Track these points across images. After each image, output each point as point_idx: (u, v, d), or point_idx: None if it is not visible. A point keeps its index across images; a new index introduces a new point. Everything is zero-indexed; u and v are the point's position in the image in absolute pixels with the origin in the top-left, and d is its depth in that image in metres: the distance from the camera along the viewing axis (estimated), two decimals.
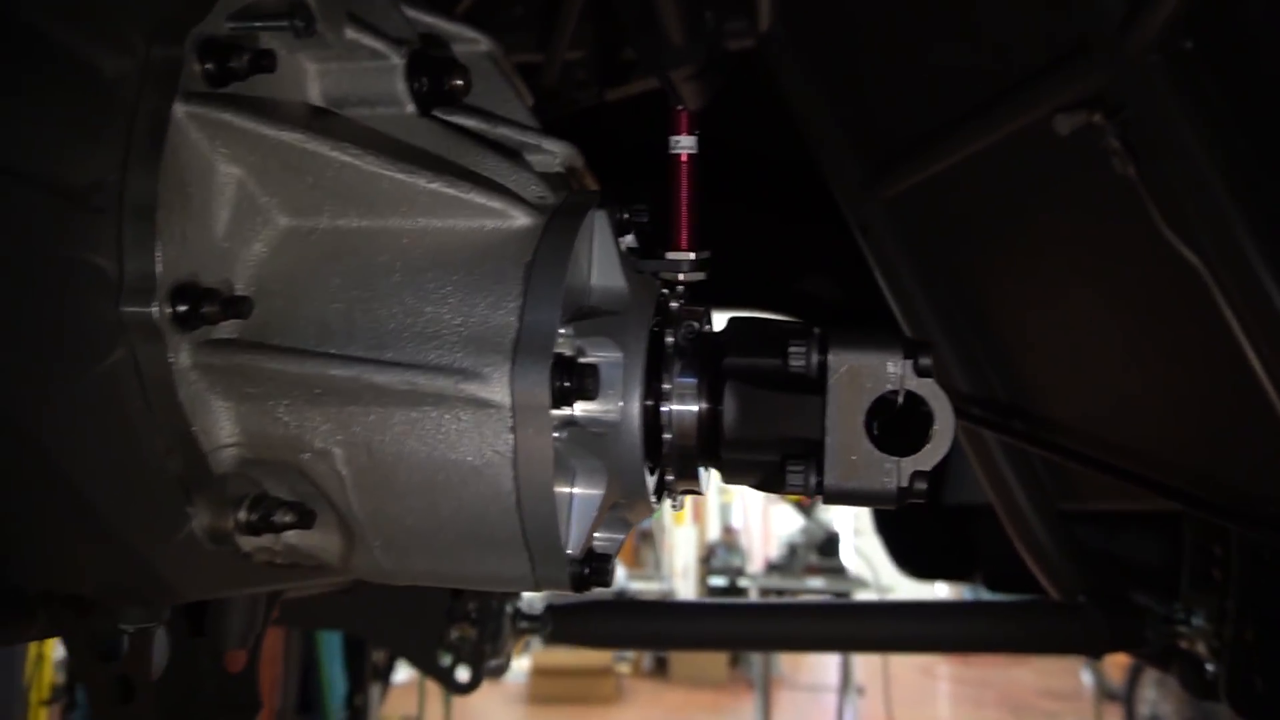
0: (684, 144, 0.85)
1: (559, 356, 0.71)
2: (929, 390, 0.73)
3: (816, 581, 7.01)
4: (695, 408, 0.79)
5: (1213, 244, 1.27)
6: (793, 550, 7.67)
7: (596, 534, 0.80)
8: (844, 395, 0.74)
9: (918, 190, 1.75)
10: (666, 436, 0.79)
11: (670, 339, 0.81)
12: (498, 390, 0.70)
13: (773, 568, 7.68)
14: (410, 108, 0.84)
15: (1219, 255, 1.26)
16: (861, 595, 6.86)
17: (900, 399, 0.75)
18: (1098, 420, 1.69)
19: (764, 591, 7.21)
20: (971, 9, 1.49)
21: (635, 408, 0.76)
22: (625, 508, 0.83)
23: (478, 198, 0.76)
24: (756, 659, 7.14)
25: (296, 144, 0.72)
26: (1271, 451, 1.32)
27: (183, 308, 0.69)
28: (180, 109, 0.68)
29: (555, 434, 0.72)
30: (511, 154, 0.87)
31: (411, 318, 0.73)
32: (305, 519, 0.78)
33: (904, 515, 2.62)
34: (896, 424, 0.77)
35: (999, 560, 2.26)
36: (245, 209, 0.75)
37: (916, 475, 0.74)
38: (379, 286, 0.74)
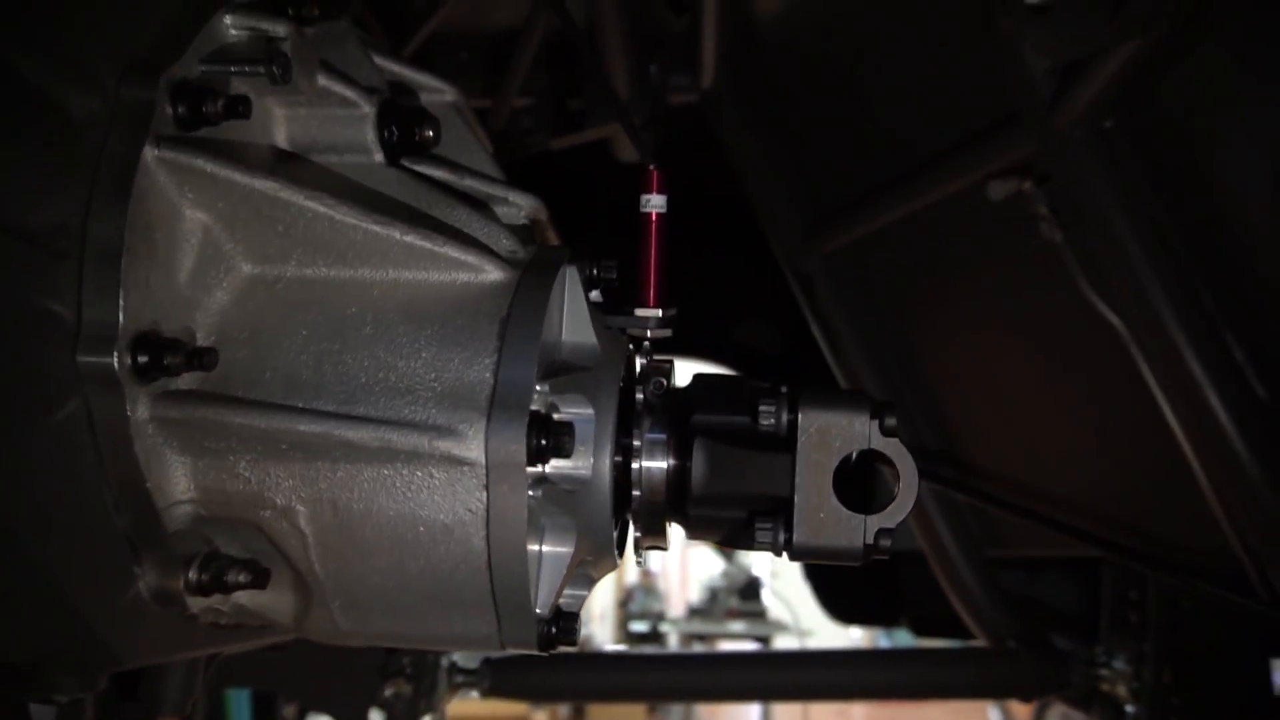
0: (654, 203, 0.86)
1: (534, 414, 0.70)
2: (894, 449, 0.76)
3: (738, 625, 7.01)
4: (664, 464, 0.80)
5: (1131, 306, 1.35)
6: (713, 594, 7.66)
7: (563, 592, 0.79)
8: (813, 454, 0.76)
9: (856, 246, 1.82)
10: (636, 493, 0.79)
11: (640, 395, 0.81)
12: (473, 448, 0.69)
13: (694, 612, 7.65)
14: (379, 157, 0.83)
15: (1136, 317, 1.35)
16: (782, 638, 6.89)
17: (854, 457, 0.77)
18: (1023, 469, 1.76)
19: (686, 636, 7.17)
20: (911, 78, 1.57)
21: (606, 464, 0.76)
22: (590, 564, 0.82)
23: (452, 251, 0.76)
24: (676, 708, 7.07)
25: (270, 192, 0.70)
26: (1185, 501, 1.40)
27: (143, 358, 0.66)
28: (150, 152, 0.66)
29: (529, 492, 0.71)
30: (480, 206, 0.87)
31: (384, 372, 0.71)
32: (260, 578, 0.74)
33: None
34: (852, 482, 0.79)
35: (925, 605, 2.31)
36: (209, 256, 0.73)
37: (882, 532, 0.76)
38: (350, 339, 0.73)
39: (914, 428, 1.92)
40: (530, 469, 0.70)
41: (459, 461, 0.69)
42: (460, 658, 1.65)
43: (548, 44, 1.77)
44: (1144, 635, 1.55)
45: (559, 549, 0.76)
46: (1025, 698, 1.75)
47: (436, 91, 0.97)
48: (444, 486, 0.70)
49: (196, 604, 0.75)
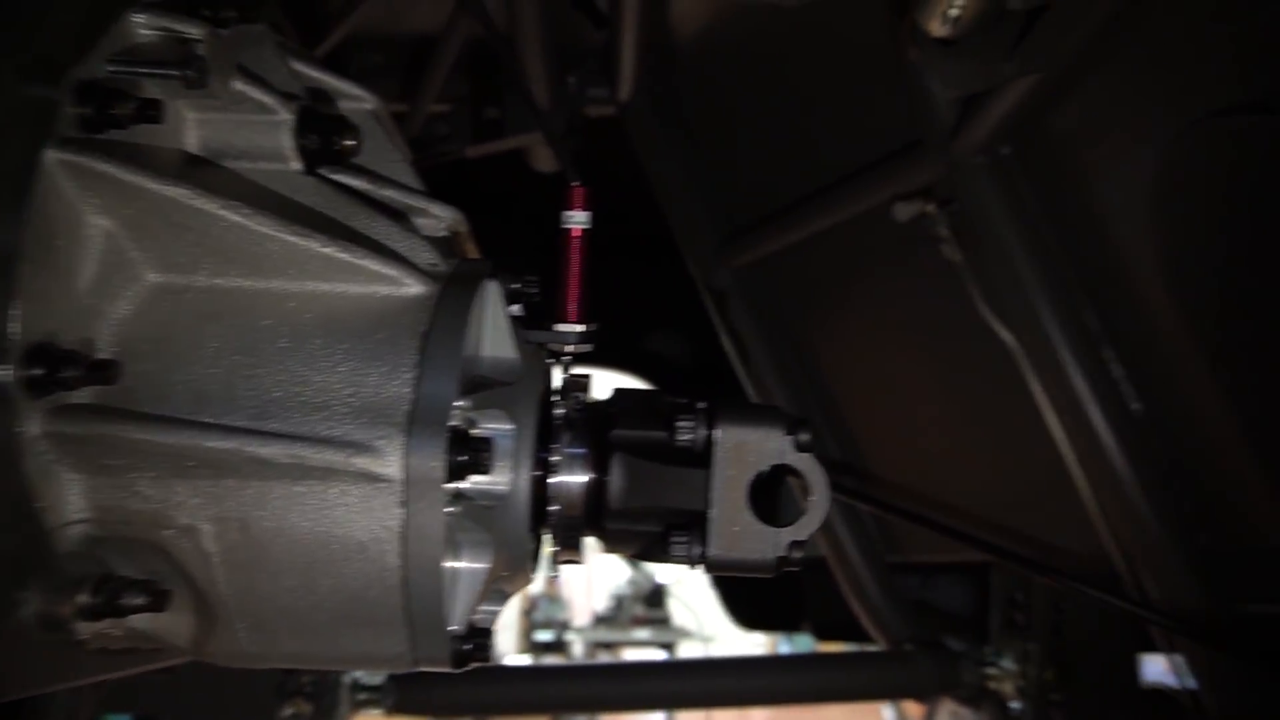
0: (577, 219, 0.87)
1: (454, 430, 0.70)
2: (808, 465, 0.78)
3: (643, 633, 7.04)
4: (583, 479, 0.80)
5: (1022, 324, 1.43)
6: (619, 602, 7.68)
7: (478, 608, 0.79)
8: (729, 469, 0.78)
9: (767, 261, 1.86)
10: (553, 508, 0.80)
11: (560, 410, 0.82)
12: (390, 464, 0.68)
13: (599, 620, 7.65)
14: (296, 165, 0.81)
15: (1027, 334, 1.43)
16: (686, 645, 6.96)
17: (767, 472, 0.79)
18: (920, 479, 1.84)
19: (591, 645, 7.16)
20: (824, 101, 1.62)
21: (525, 479, 0.76)
22: (506, 579, 0.82)
23: (371, 264, 0.75)
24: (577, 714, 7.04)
25: (182, 199, 0.68)
26: (1067, 509, 1.49)
27: (38, 371, 0.63)
28: (52, 155, 0.63)
29: (447, 508, 0.70)
30: (400, 218, 0.86)
31: (298, 386, 0.70)
32: (158, 600, 0.71)
33: None
34: (763, 495, 0.81)
35: (826, 611, 2.39)
36: (113, 264, 0.70)
37: (793, 545, 0.78)
38: (263, 352, 0.71)
39: (820, 439, 1.98)
40: (448, 485, 0.70)
41: (375, 478, 0.68)
42: (364, 674, 1.61)
43: (466, 51, 1.75)
44: (1029, 636, 1.64)
45: (475, 565, 0.75)
46: (921, 698, 1.82)
47: (356, 99, 0.95)
48: (359, 503, 0.69)
49: (87, 629, 0.71)
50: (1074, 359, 1.39)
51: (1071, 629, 1.63)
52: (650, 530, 0.82)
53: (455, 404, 0.71)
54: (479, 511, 0.76)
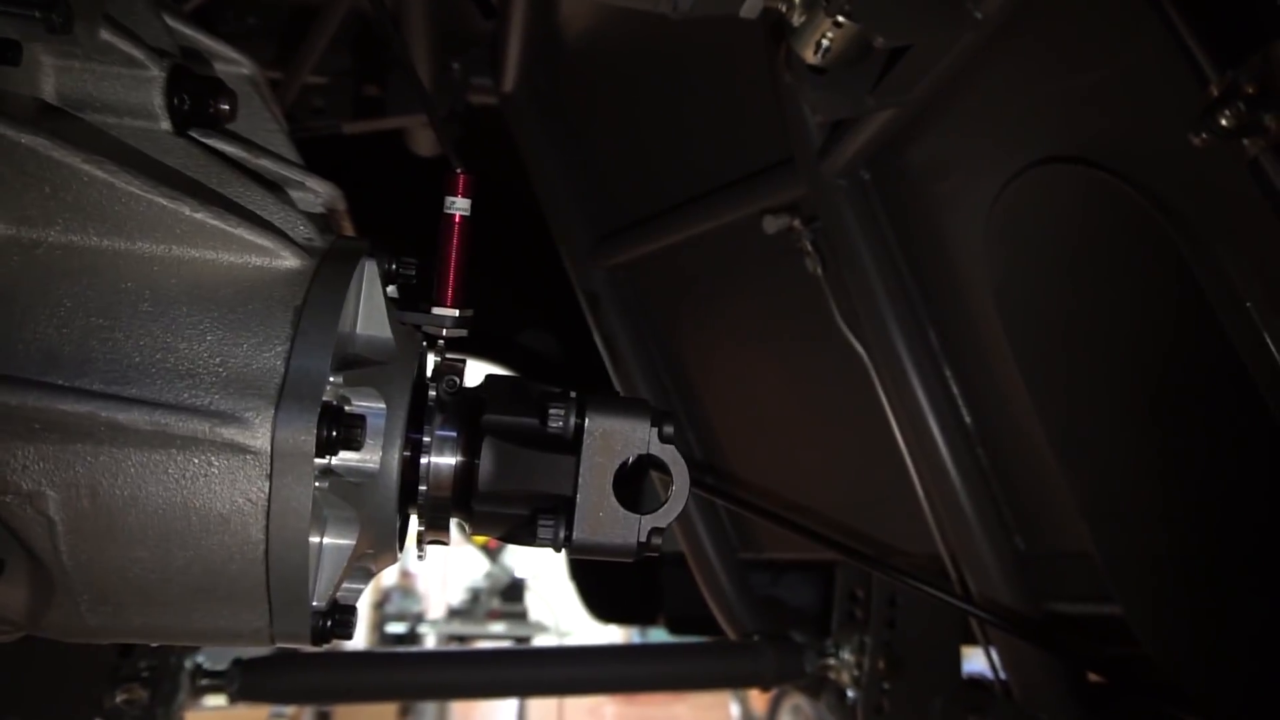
0: (459, 205, 0.87)
1: (326, 405, 0.70)
2: (670, 455, 0.82)
3: (499, 626, 7.00)
4: (453, 460, 0.81)
5: (873, 338, 1.54)
6: (475, 595, 7.60)
7: (341, 585, 0.79)
8: (596, 456, 0.81)
9: (639, 262, 1.91)
10: (422, 488, 0.80)
11: (432, 392, 0.82)
12: (259, 436, 0.67)
13: (454, 613, 7.54)
14: (165, 125, 0.78)
15: (876, 348, 1.54)
16: (542, 640, 6.96)
17: (631, 461, 0.83)
18: (775, 479, 1.94)
19: (445, 638, 7.05)
20: (702, 112, 1.68)
21: (395, 459, 0.77)
22: (371, 558, 0.82)
23: (246, 234, 0.73)
24: (429, 709, 6.92)
25: (40, 150, 0.65)
26: (907, 512, 1.61)
27: None
28: None
29: (315, 484, 0.70)
30: (275, 189, 0.84)
31: (161, 353, 0.68)
32: None
33: (597, 564, 2.75)
34: (627, 484, 0.85)
35: (680, 605, 2.46)
36: None
37: (654, 531, 0.82)
38: (123, 315, 0.68)
39: (683, 438, 2.05)
40: (318, 460, 0.70)
41: (242, 449, 0.67)
42: (206, 659, 1.54)
43: (348, 23, 1.71)
44: (866, 629, 1.76)
45: (340, 541, 0.75)
46: (765, 686, 1.91)
47: (232, 63, 0.92)
48: (223, 475, 0.68)
49: None
50: (917, 372, 1.51)
51: (904, 623, 1.76)
52: (517, 513, 0.84)
53: (329, 379, 0.71)
54: (347, 488, 0.76)
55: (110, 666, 1.39)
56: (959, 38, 1.12)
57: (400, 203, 1.71)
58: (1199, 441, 1.09)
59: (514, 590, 7.35)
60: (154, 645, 1.45)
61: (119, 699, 1.36)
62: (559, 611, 6.69)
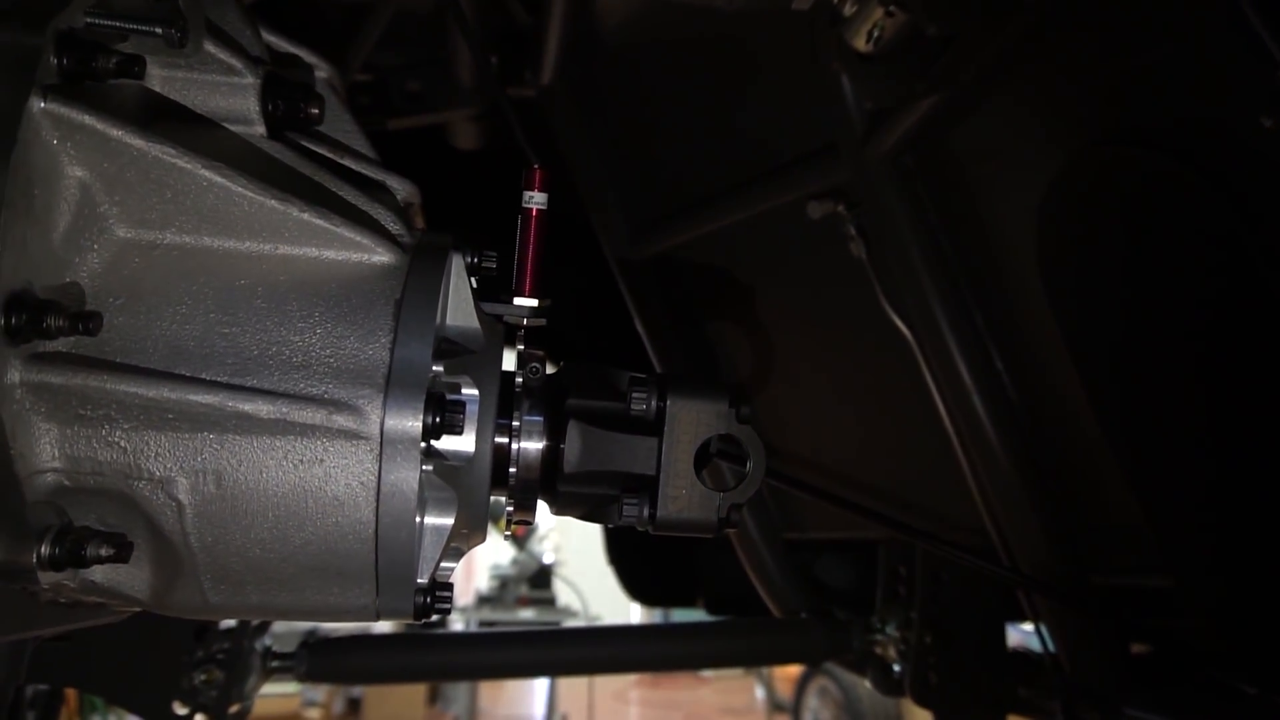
0: (536, 199, 0.91)
1: (430, 392, 0.74)
2: (747, 435, 0.86)
3: (528, 613, 7.09)
4: (540, 444, 0.85)
5: (917, 319, 1.56)
6: (503, 582, 7.69)
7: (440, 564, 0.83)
8: (678, 437, 0.84)
9: (679, 250, 1.94)
10: (512, 470, 0.84)
11: (519, 379, 0.86)
12: (370, 422, 0.71)
13: (483, 600, 7.64)
14: (260, 129, 0.82)
15: (921, 328, 1.56)
16: (571, 624, 7.04)
17: (711, 440, 0.87)
18: (819, 460, 1.97)
19: (474, 625, 7.15)
20: (743, 100, 1.70)
21: (488, 443, 0.81)
22: (464, 537, 0.86)
23: (346, 231, 0.77)
24: (458, 695, 7.03)
25: (165, 157, 0.69)
26: (953, 487, 1.64)
27: (18, 319, 0.63)
28: (37, 104, 0.63)
29: (421, 466, 0.74)
30: (365, 186, 0.88)
31: (276, 346, 0.72)
32: (123, 551, 0.72)
33: (638, 548, 2.79)
34: (705, 462, 0.88)
35: (719, 585, 2.51)
36: (85, 216, 0.70)
37: (734, 508, 0.86)
38: (239, 311, 0.72)
39: None
40: (423, 444, 0.74)
41: (355, 435, 0.71)
42: (275, 642, 1.60)
43: (393, 21, 1.74)
44: (911, 604, 1.79)
45: (440, 521, 0.79)
46: (814, 662, 1.96)
47: (312, 67, 0.96)
48: (337, 459, 0.72)
49: (47, 579, 0.71)
50: (962, 352, 1.53)
51: (949, 598, 1.79)
52: (600, 493, 0.88)
53: (431, 368, 0.74)
54: (446, 471, 0.80)
55: (187, 649, 1.45)
56: (1009, 23, 1.14)
57: (442, 197, 1.75)
58: (1255, 417, 1.12)
59: (541, 577, 7.43)
60: (227, 628, 1.51)
61: (198, 679, 1.41)
62: (587, 597, 6.76)
